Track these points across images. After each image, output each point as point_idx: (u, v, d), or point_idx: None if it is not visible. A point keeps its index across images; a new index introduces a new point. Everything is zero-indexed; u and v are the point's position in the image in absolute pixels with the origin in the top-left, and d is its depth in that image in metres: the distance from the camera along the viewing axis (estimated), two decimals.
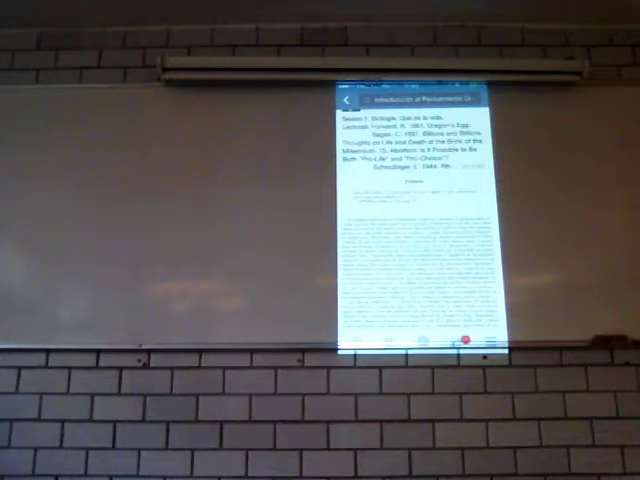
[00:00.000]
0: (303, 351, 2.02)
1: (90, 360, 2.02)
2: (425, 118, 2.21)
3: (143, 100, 2.20)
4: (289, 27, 2.29)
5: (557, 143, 2.15)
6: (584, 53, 2.25)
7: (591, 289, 2.02)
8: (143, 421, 1.97)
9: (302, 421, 1.97)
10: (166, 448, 1.95)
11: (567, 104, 2.18)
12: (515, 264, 2.05)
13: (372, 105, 2.22)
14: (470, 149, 2.17)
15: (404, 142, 2.18)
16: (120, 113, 2.19)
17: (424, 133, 2.19)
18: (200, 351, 2.02)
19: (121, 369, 2.01)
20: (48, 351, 2.02)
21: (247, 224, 2.09)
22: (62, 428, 1.97)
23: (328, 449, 1.95)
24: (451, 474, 1.93)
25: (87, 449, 1.95)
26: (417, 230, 2.10)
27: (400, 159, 2.17)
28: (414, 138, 2.19)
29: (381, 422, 1.97)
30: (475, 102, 2.21)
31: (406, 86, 2.23)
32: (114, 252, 2.07)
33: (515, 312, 2.01)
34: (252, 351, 2.02)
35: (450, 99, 2.22)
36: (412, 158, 2.17)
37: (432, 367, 2.01)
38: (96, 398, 1.99)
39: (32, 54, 2.27)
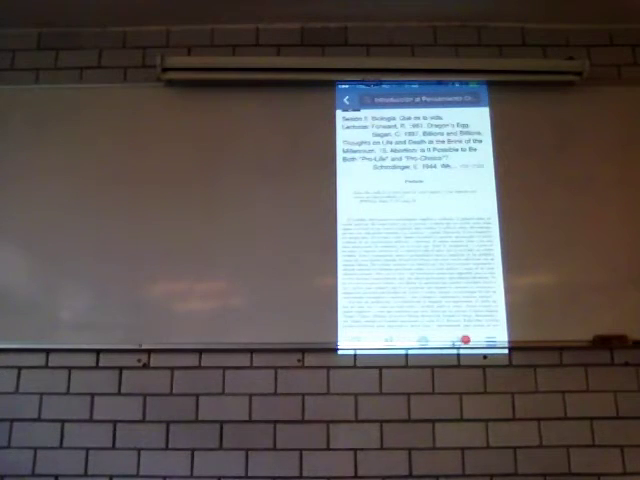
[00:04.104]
0: (303, 351, 2.02)
1: (90, 360, 2.02)
2: (425, 118, 2.21)
3: (143, 100, 2.20)
4: (289, 27, 2.29)
5: (557, 143, 2.15)
6: (584, 53, 2.25)
7: (591, 289, 2.02)
8: (143, 421, 1.97)
9: (302, 421, 1.97)
10: (166, 448, 1.95)
11: (567, 104, 2.18)
12: (515, 264, 2.05)
13: (372, 105, 2.22)
14: (470, 149, 2.17)
15: (404, 142, 2.18)
16: (120, 113, 2.19)
17: (424, 133, 2.19)
18: (200, 351, 2.02)
19: (121, 369, 2.01)
20: (48, 351, 2.02)
21: (247, 224, 2.09)
22: (62, 428, 1.97)
23: (328, 449, 1.95)
24: (451, 474, 1.93)
25: (87, 449, 1.95)
26: (417, 230, 2.10)
27: (400, 159, 2.17)
28: (414, 138, 2.19)
29: (381, 422, 1.97)
30: (475, 102, 2.21)
31: (406, 86, 2.23)
32: (114, 252, 2.07)
33: (515, 312, 2.01)
34: (252, 351, 2.02)
35: (450, 99, 2.22)
36: (412, 158, 2.17)
37: (432, 367, 2.01)
38: (96, 398, 1.99)
39: (32, 54, 2.27)
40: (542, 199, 2.11)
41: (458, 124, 2.20)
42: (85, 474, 1.94)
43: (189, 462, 1.94)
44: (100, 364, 2.02)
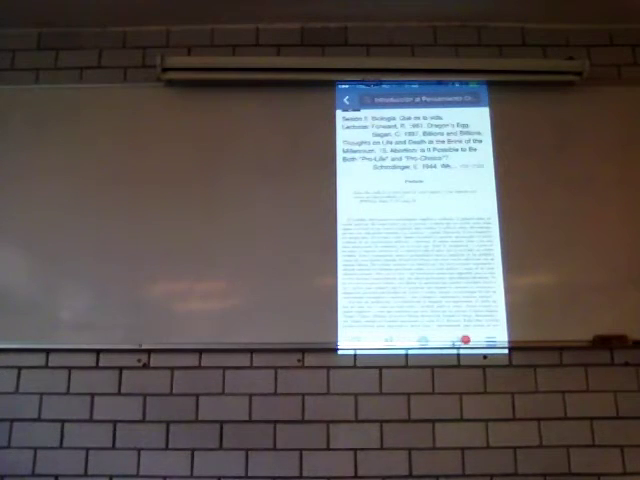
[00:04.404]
0: (303, 351, 2.02)
1: (90, 360, 2.02)
2: (425, 118, 2.21)
3: (143, 100, 2.20)
4: (289, 27, 2.29)
5: (557, 143, 2.15)
6: (584, 53, 2.25)
7: (591, 289, 2.02)
8: (143, 421, 1.97)
9: (302, 421, 1.97)
10: (166, 448, 1.95)
11: (567, 104, 2.18)
12: (515, 264, 2.05)
13: (372, 105, 2.22)
14: (470, 149, 2.17)
15: (404, 142, 2.18)
16: (120, 113, 2.19)
17: (424, 133, 2.19)
18: (200, 351, 2.02)
19: (121, 369, 2.01)
20: (48, 351, 2.02)
21: (247, 224, 2.09)
22: (62, 428, 1.97)
23: (328, 449, 1.95)
24: (451, 474, 1.93)
25: (87, 449, 1.95)
26: (417, 230, 2.10)
27: (400, 159, 2.17)
28: (414, 138, 2.19)
29: (381, 422, 1.97)
30: (475, 102, 2.21)
31: (406, 86, 2.23)
32: (114, 252, 2.07)
33: (515, 312, 2.01)
34: (252, 351, 2.02)
35: (450, 99, 2.22)
36: (412, 158, 2.17)
37: (432, 367, 2.01)
38: (96, 398, 1.99)
39: (32, 54, 2.27)
40: (542, 199, 2.11)
41: (458, 124, 2.20)
42: (85, 474, 1.94)
43: (189, 462, 1.94)
44: (100, 364, 2.02)
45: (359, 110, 2.21)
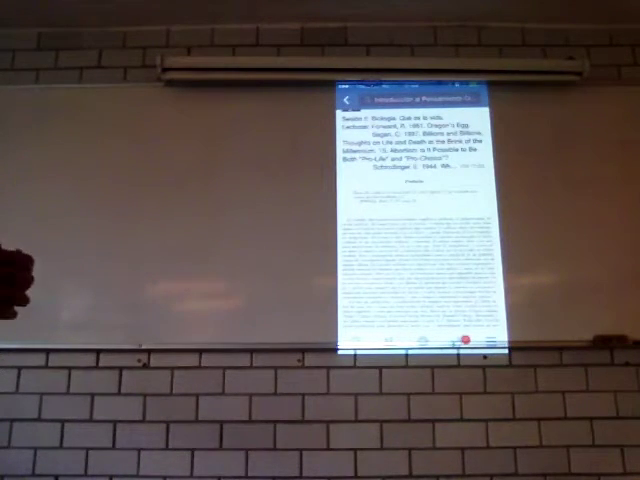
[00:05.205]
0: (303, 351, 2.02)
1: (90, 360, 2.02)
2: (425, 118, 2.21)
3: (143, 100, 2.20)
4: (289, 27, 2.29)
5: (557, 143, 2.15)
6: (584, 53, 2.25)
7: (591, 289, 2.02)
8: (143, 421, 1.97)
9: (302, 421, 1.97)
10: (166, 448, 1.95)
11: (567, 104, 2.18)
12: (515, 264, 2.05)
13: (372, 105, 2.22)
14: (470, 149, 2.17)
15: (404, 142, 2.18)
16: (120, 113, 2.19)
17: (424, 133, 2.19)
18: (200, 351, 2.02)
19: (121, 369, 2.01)
20: (48, 351, 2.02)
21: (247, 224, 2.09)
22: (62, 428, 1.97)
23: (328, 449, 1.95)
24: (451, 474, 1.93)
25: (87, 449, 1.95)
26: (417, 230, 2.10)
27: (400, 159, 2.17)
28: (414, 138, 2.19)
29: (381, 422, 1.97)
30: (475, 102, 2.21)
31: (406, 86, 2.23)
32: (114, 252, 2.07)
33: (515, 312, 2.01)
34: (252, 351, 2.02)
35: (450, 99, 2.22)
36: (412, 158, 2.17)
37: (432, 367, 2.01)
38: (96, 398, 1.99)
39: (32, 54, 2.27)
40: (542, 199, 2.11)
41: (458, 124, 2.19)
42: (85, 474, 1.94)
43: (189, 462, 1.94)
44: (100, 364, 2.02)
45: (359, 110, 2.21)
